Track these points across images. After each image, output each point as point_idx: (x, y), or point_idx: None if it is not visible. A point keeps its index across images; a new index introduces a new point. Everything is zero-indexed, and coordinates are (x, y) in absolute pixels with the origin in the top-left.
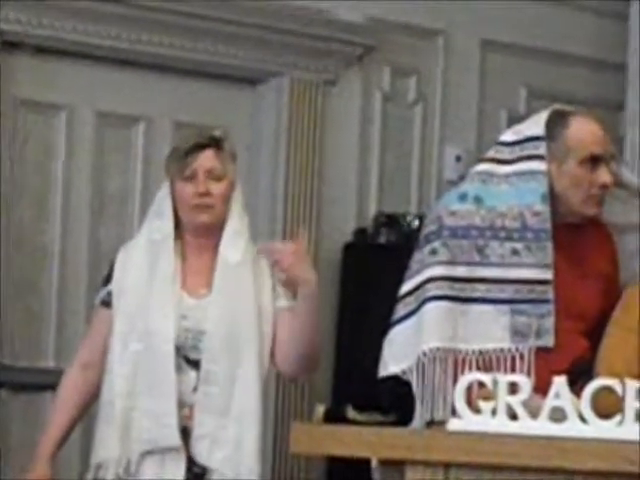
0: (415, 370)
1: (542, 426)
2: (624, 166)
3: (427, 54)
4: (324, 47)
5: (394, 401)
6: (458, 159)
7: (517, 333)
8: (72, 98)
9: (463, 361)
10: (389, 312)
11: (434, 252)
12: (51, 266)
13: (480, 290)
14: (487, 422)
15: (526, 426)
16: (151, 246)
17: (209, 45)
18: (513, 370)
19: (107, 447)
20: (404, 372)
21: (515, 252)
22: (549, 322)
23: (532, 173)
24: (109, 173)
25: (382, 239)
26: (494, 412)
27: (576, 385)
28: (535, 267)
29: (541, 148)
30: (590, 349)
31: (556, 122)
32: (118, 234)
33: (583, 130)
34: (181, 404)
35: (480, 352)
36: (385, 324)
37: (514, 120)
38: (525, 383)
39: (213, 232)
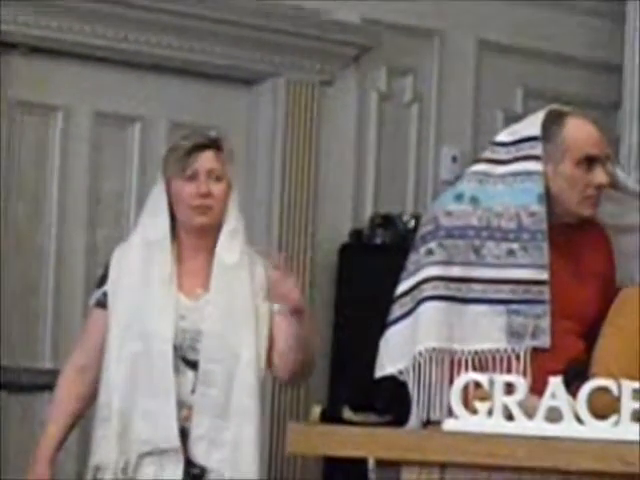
0: (411, 370)
1: (538, 426)
2: (618, 168)
3: (423, 54)
4: (320, 47)
5: (390, 401)
6: (454, 159)
7: (513, 333)
8: (68, 98)
9: (459, 361)
10: (385, 313)
11: (430, 252)
12: (47, 267)
13: (476, 290)
14: (483, 422)
15: (522, 426)
16: (146, 246)
17: (205, 45)
18: (509, 370)
19: (105, 448)
20: (400, 372)
21: (511, 252)
22: (545, 322)
23: (528, 173)
24: (105, 174)
25: (378, 240)
26: (490, 412)
27: (572, 385)
28: (531, 267)
29: (537, 148)
30: (586, 350)
31: (552, 122)
32: (114, 235)
33: (579, 131)
34: (179, 405)
35: (476, 352)
36: (381, 325)
37: (510, 120)
38: (521, 383)
39: (209, 233)
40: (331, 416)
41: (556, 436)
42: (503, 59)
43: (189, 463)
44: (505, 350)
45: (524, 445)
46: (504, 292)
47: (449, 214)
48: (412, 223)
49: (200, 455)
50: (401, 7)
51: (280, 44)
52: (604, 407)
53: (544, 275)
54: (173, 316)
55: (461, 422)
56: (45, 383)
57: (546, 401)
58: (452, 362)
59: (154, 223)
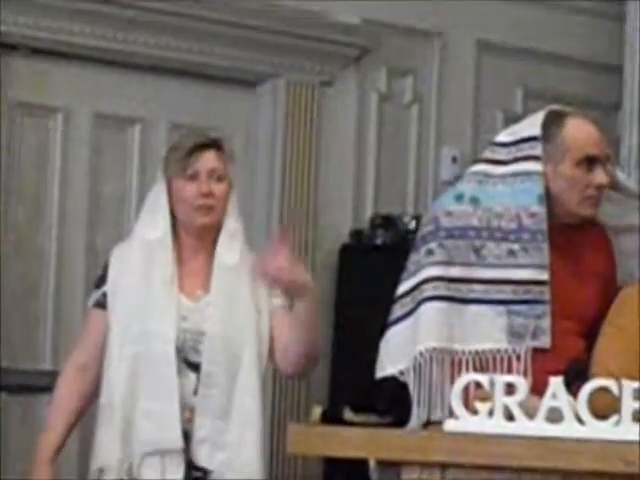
0: (412, 371)
1: (539, 427)
2: (618, 168)
3: (423, 55)
4: (320, 48)
5: (391, 402)
6: (454, 160)
7: (514, 334)
8: (68, 100)
9: (460, 362)
10: (386, 313)
11: (430, 253)
12: (48, 268)
13: (477, 291)
14: (484, 423)
15: (523, 427)
16: (146, 246)
17: (205, 47)
18: (510, 371)
19: (108, 450)
20: (401, 373)
21: (511, 253)
22: (545, 323)
23: (528, 174)
24: (105, 175)
25: (379, 240)
26: (491, 413)
27: (572, 386)
28: (531, 268)
29: (537, 149)
30: (587, 350)
31: (552, 123)
32: (115, 236)
33: (579, 131)
34: (182, 407)
35: (477, 353)
36: (382, 325)
37: (510, 121)
38: (522, 384)
39: (209, 233)
40: (332, 417)
41: (557, 436)
42: (503, 59)
43: (191, 465)
44: (506, 350)
45: (525, 445)
46: (505, 292)
47: (449, 214)
48: (412, 224)
49: (202, 457)
50: (401, 8)
51: (280, 45)
52: (605, 407)
53: (544, 275)
54: (175, 317)
55: (462, 423)
56: (45, 384)
57: (547, 401)
58: (453, 362)
59: (153, 221)
